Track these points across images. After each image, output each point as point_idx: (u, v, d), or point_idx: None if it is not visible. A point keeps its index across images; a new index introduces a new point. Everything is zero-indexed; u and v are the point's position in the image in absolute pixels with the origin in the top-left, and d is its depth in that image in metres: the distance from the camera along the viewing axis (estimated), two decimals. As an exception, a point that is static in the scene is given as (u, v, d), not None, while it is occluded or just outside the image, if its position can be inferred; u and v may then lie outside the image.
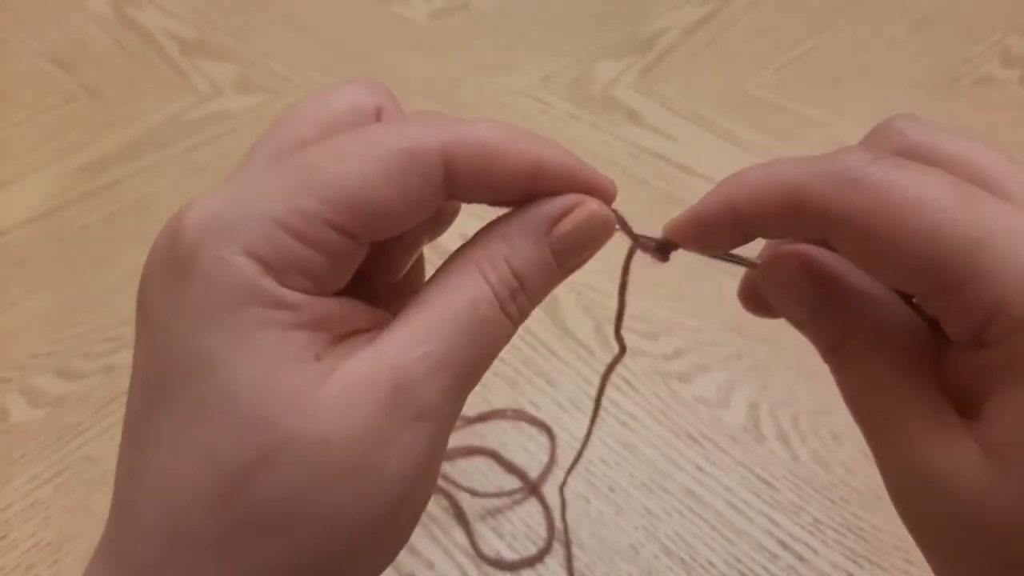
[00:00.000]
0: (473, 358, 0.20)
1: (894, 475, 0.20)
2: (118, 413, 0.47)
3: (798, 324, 0.23)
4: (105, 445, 0.46)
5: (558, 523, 0.42)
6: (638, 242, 0.23)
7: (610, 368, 0.28)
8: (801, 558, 0.41)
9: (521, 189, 0.20)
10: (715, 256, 0.23)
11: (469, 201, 0.21)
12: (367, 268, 0.21)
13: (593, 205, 0.21)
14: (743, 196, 0.20)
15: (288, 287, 0.18)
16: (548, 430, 0.46)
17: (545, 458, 0.45)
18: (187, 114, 0.68)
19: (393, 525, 0.20)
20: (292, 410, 0.18)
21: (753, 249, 0.23)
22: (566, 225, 0.21)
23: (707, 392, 0.48)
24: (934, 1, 0.80)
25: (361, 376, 0.18)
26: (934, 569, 0.20)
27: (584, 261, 0.22)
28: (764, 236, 0.22)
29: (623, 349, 0.27)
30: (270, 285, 0.18)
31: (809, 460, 0.45)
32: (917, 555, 0.43)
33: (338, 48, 0.75)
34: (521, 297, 0.20)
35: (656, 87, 0.71)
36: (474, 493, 0.43)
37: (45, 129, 0.66)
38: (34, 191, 0.61)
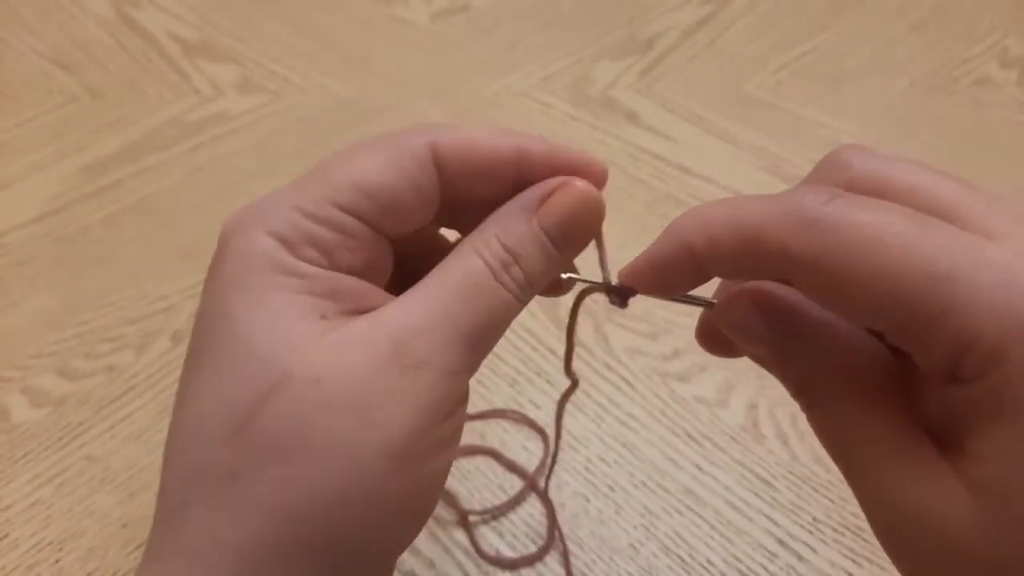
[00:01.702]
0: (470, 317, 0.21)
1: (876, 514, 0.20)
2: (120, 413, 0.47)
3: (762, 363, 0.23)
4: (106, 445, 0.46)
5: (559, 521, 0.42)
6: (598, 288, 0.23)
7: (564, 400, 0.28)
8: (800, 557, 0.41)
9: (509, 178, 0.22)
10: (672, 299, 0.22)
11: (465, 194, 0.23)
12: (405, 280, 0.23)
13: (579, 183, 0.23)
14: (699, 236, 0.20)
15: (302, 259, 0.21)
16: (542, 432, 0.46)
17: (546, 457, 0.45)
18: (188, 115, 0.68)
19: (402, 473, 0.20)
20: (292, 353, 0.20)
21: (708, 288, 0.23)
22: (553, 202, 0.22)
23: (706, 392, 0.48)
24: (932, 2, 0.80)
25: (360, 331, 0.20)
26: None
27: (581, 239, 0.23)
28: (723, 276, 0.22)
29: (575, 383, 0.27)
30: (285, 256, 0.21)
31: (808, 459, 0.45)
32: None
33: (339, 49, 0.75)
34: (515, 269, 0.22)
35: (655, 88, 0.71)
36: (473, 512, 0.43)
37: (46, 130, 0.66)
38: (35, 192, 0.61)
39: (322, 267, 0.21)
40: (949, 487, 0.18)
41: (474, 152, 0.22)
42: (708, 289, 0.23)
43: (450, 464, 0.23)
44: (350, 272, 0.22)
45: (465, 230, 0.24)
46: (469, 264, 0.21)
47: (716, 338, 0.24)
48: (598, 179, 0.23)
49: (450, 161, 0.22)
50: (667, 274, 0.21)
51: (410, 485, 0.21)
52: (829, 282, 0.18)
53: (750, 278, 0.22)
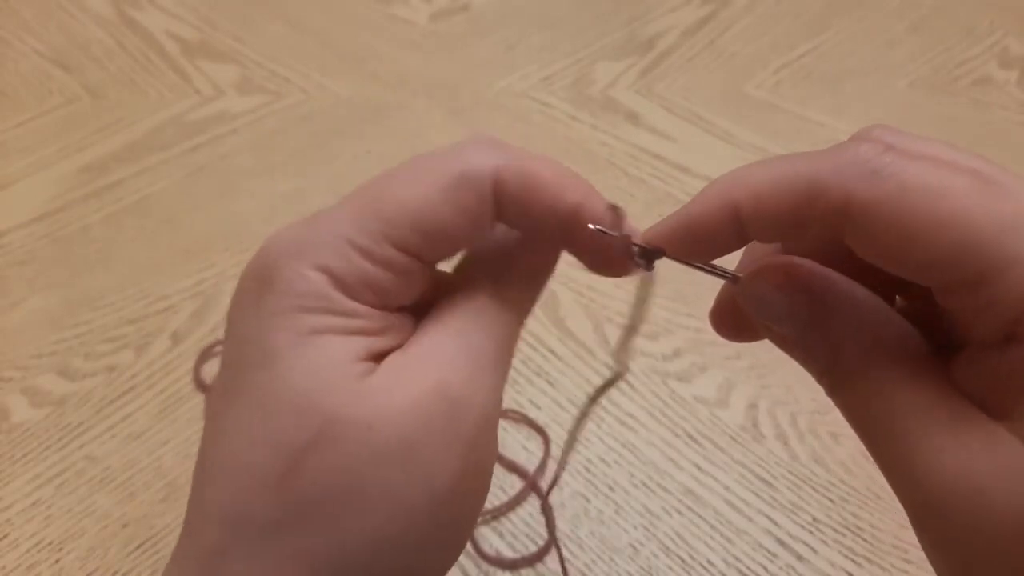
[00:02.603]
0: (496, 347, 0.21)
1: (922, 494, 0.18)
2: (119, 413, 0.47)
3: (785, 343, 0.22)
4: (106, 445, 0.46)
5: (559, 522, 0.42)
6: (623, 243, 0.22)
7: (600, 391, 0.27)
8: (800, 557, 0.41)
9: (562, 224, 0.21)
10: (696, 267, 0.21)
11: (515, 227, 0.22)
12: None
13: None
14: (748, 194, 0.19)
15: (355, 300, 0.20)
16: (542, 432, 0.46)
17: (547, 458, 0.45)
18: (188, 115, 0.68)
19: (449, 514, 0.20)
20: (339, 397, 0.19)
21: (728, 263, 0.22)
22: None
23: (706, 392, 0.48)
24: (932, 2, 0.80)
25: (403, 372, 0.20)
26: None
27: (537, 215, 0.22)
28: (765, 238, 0.21)
29: (621, 371, 0.26)
30: (338, 296, 0.20)
31: (808, 459, 0.45)
32: (915, 554, 0.43)
33: (339, 49, 0.75)
34: (511, 290, 0.22)
35: (655, 88, 0.71)
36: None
37: (46, 130, 0.66)
38: (36, 192, 0.61)
39: (373, 307, 0.20)
40: (1009, 450, 0.17)
41: (535, 196, 0.21)
42: (728, 264, 0.22)
43: (487, 490, 0.22)
44: (391, 303, 0.21)
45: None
46: (481, 297, 0.22)
47: (732, 320, 0.23)
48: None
49: (509, 194, 0.21)
50: (703, 236, 0.20)
51: (454, 521, 0.21)
52: (892, 233, 0.17)
53: (796, 238, 0.20)
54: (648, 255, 0.21)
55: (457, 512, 0.21)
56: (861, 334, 0.20)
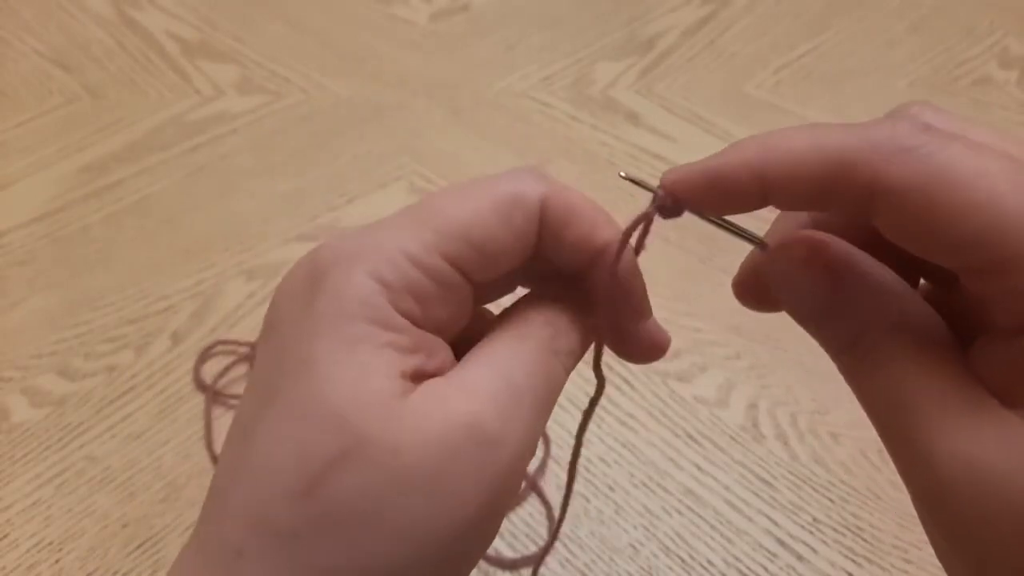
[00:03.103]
0: (537, 392, 0.21)
1: (926, 479, 0.18)
2: (119, 413, 0.47)
3: (805, 319, 0.22)
4: (106, 445, 0.46)
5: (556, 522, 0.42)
6: (649, 188, 0.21)
7: (590, 410, 0.27)
8: (800, 557, 0.41)
9: (587, 261, 0.22)
10: (722, 227, 0.21)
11: (549, 256, 0.23)
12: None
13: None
14: (775, 162, 0.18)
15: (399, 310, 0.20)
16: (542, 434, 0.46)
17: (547, 458, 0.45)
18: (188, 115, 0.68)
19: (462, 549, 0.20)
20: (372, 416, 0.19)
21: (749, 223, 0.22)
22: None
23: (706, 392, 0.48)
24: (932, 2, 0.80)
25: (438, 401, 0.20)
26: None
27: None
28: (788, 207, 0.20)
29: (600, 385, 0.26)
30: (383, 305, 0.20)
31: (808, 459, 0.45)
32: (915, 554, 0.43)
33: (339, 49, 0.75)
34: (563, 339, 0.23)
35: (655, 88, 0.71)
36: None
37: (47, 130, 0.66)
38: (36, 192, 0.61)
39: (414, 320, 0.20)
40: (1021, 437, 0.17)
41: (571, 226, 0.21)
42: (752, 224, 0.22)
43: (500, 526, 0.23)
44: (437, 325, 0.21)
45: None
46: (528, 335, 0.22)
47: (755, 290, 0.23)
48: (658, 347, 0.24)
49: (550, 223, 0.21)
50: (725, 193, 0.19)
51: (467, 555, 0.21)
52: (919, 214, 0.17)
53: (822, 210, 0.21)
54: (670, 211, 0.21)
55: (471, 547, 0.20)
56: (882, 317, 0.20)
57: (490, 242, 0.21)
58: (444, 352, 0.21)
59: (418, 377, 0.20)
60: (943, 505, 0.18)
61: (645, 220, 0.21)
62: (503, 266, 0.22)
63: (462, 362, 0.21)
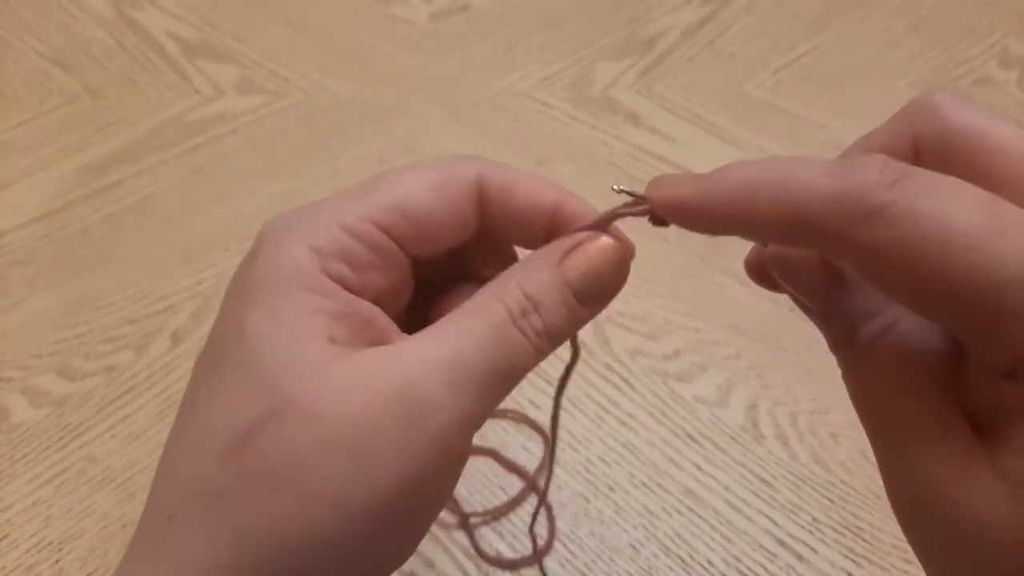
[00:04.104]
0: (484, 363, 0.20)
1: (899, 487, 0.19)
2: (120, 413, 0.47)
3: (808, 312, 0.22)
4: (106, 445, 0.46)
5: (559, 522, 0.42)
6: (636, 206, 0.22)
7: (564, 379, 0.27)
8: (800, 557, 0.41)
9: (543, 227, 0.22)
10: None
11: (501, 235, 0.23)
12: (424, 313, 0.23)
13: (607, 239, 0.22)
14: (745, 209, 0.18)
15: (330, 276, 0.20)
16: (542, 432, 0.46)
17: (547, 457, 0.45)
18: (188, 115, 0.68)
19: (388, 520, 0.19)
20: (297, 379, 0.19)
21: None
22: (578, 255, 0.21)
23: (706, 392, 0.48)
24: (932, 2, 0.80)
25: (368, 367, 0.20)
26: None
27: (604, 295, 0.22)
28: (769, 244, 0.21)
29: (575, 354, 0.26)
30: (314, 271, 0.20)
31: (808, 460, 0.45)
32: (915, 554, 0.42)
33: (339, 49, 0.75)
34: (535, 317, 0.21)
35: (655, 88, 0.71)
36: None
37: (46, 130, 0.66)
38: (36, 192, 0.61)
39: (348, 287, 0.21)
40: (980, 474, 0.17)
41: (515, 192, 0.22)
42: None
43: (436, 517, 0.22)
44: (374, 294, 0.21)
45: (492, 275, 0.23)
46: (487, 308, 0.21)
47: (764, 273, 0.23)
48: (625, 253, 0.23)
49: (492, 195, 0.22)
50: (701, 223, 0.20)
51: (392, 535, 0.20)
52: (887, 276, 0.17)
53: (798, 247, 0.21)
54: (660, 221, 0.21)
55: (398, 526, 0.20)
56: (877, 319, 0.20)
57: (424, 214, 0.21)
58: (384, 322, 0.21)
59: (354, 343, 0.20)
60: (904, 515, 0.19)
61: (632, 214, 0.21)
62: (442, 238, 0.22)
63: (418, 332, 0.21)
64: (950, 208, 0.16)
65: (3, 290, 0.54)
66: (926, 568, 0.19)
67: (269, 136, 0.66)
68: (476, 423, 0.21)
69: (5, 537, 0.42)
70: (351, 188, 0.22)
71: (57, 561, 0.41)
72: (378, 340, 0.21)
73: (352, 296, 0.21)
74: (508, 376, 0.21)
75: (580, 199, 0.23)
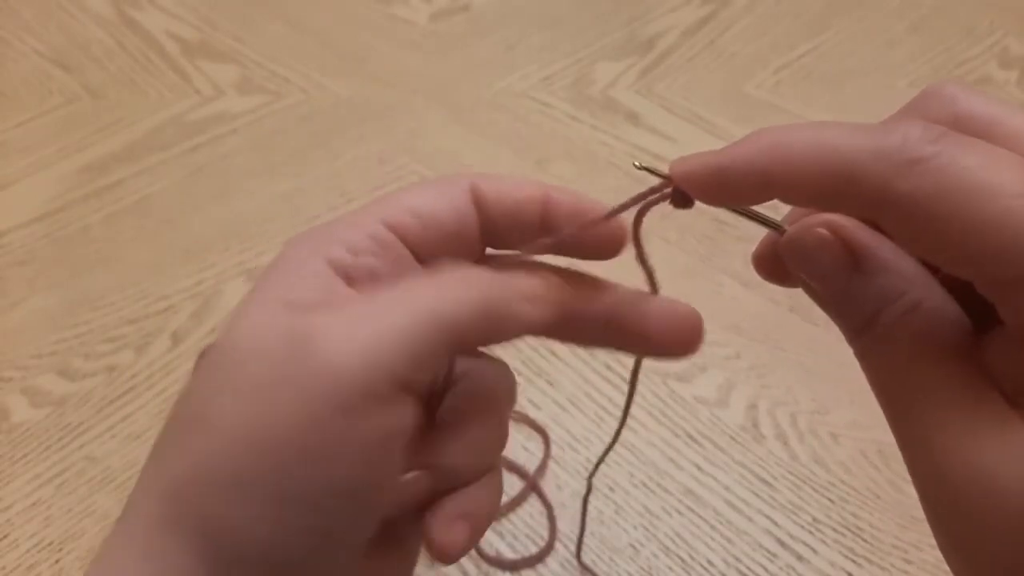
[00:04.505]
0: (412, 337, 0.19)
1: (928, 471, 0.18)
2: (120, 413, 0.47)
3: (822, 300, 0.21)
4: (106, 445, 0.46)
5: (559, 523, 0.42)
6: (662, 191, 0.21)
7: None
8: (800, 557, 0.41)
9: (537, 219, 0.23)
10: (738, 212, 0.21)
11: (502, 237, 0.24)
12: None
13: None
14: (781, 165, 0.18)
15: (331, 261, 0.21)
16: (542, 432, 0.46)
17: (547, 458, 0.45)
18: (188, 115, 0.68)
19: (299, 469, 0.18)
20: (237, 319, 0.20)
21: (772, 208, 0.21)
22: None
23: (706, 392, 0.48)
24: (932, 2, 0.80)
25: (308, 312, 0.20)
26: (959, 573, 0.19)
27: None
28: (798, 206, 0.20)
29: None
30: (325, 270, 0.21)
31: (808, 460, 0.45)
32: (916, 554, 0.43)
33: (339, 49, 0.75)
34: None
35: (655, 88, 0.71)
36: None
37: (46, 130, 0.66)
38: (36, 192, 0.61)
39: (351, 278, 0.22)
40: (1020, 439, 0.17)
41: (504, 187, 0.23)
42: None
43: (397, 433, 0.20)
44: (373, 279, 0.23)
45: None
46: (466, 268, 0.22)
47: (773, 266, 0.23)
48: (617, 239, 0.24)
49: (487, 197, 0.23)
50: (729, 190, 0.19)
51: (312, 473, 0.19)
52: (928, 228, 0.17)
53: (830, 211, 0.20)
54: (682, 202, 0.21)
55: (312, 472, 0.19)
56: (899, 301, 0.19)
57: (427, 210, 0.23)
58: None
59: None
60: (940, 497, 0.18)
61: (654, 200, 0.22)
62: (445, 235, 0.23)
63: None
64: (993, 163, 0.16)
65: (3, 290, 0.54)
66: (952, 560, 0.19)
67: (269, 136, 0.66)
68: (391, 384, 0.19)
69: (5, 537, 0.42)
70: (371, 201, 0.24)
71: (57, 561, 0.41)
72: None
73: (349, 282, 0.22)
74: (446, 324, 0.19)
75: (566, 189, 0.24)
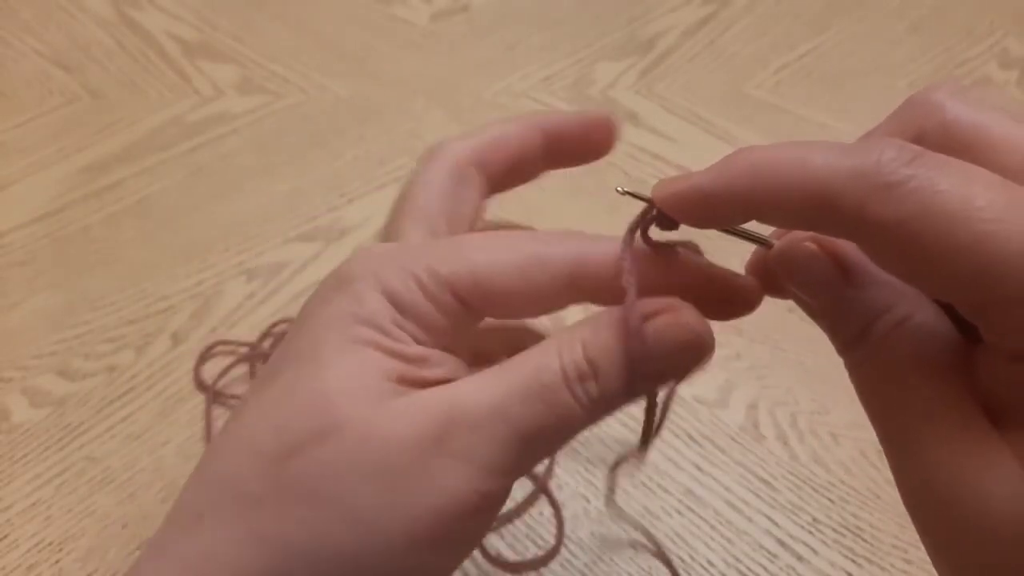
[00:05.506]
0: (529, 420, 0.20)
1: (914, 485, 0.19)
2: (120, 413, 0.47)
3: (813, 313, 0.21)
4: (106, 445, 0.46)
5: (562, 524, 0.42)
6: (646, 214, 0.21)
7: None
8: (800, 557, 0.41)
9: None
10: (723, 229, 0.21)
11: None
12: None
13: (689, 317, 0.20)
14: (761, 187, 0.18)
15: (402, 328, 0.21)
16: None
17: (552, 462, 0.45)
18: (188, 115, 0.68)
19: (421, 553, 0.20)
20: (352, 405, 0.20)
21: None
22: (657, 330, 0.20)
23: (706, 392, 0.48)
24: (932, 2, 0.80)
25: (419, 404, 0.20)
26: None
27: (672, 376, 0.21)
28: (780, 227, 0.21)
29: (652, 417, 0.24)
30: (389, 319, 0.21)
31: (808, 460, 0.45)
32: (916, 554, 0.43)
33: (339, 49, 0.75)
34: (591, 383, 0.20)
35: (656, 88, 0.71)
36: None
37: (47, 130, 0.66)
38: (36, 192, 0.61)
39: (418, 340, 0.21)
40: (1001, 463, 0.17)
41: (606, 284, 0.21)
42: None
43: (463, 560, 0.22)
44: (444, 344, 0.22)
45: None
46: (544, 363, 0.20)
47: (766, 278, 0.23)
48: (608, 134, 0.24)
49: (590, 284, 0.22)
50: (711, 213, 0.19)
51: (415, 570, 0.20)
52: (904, 252, 0.17)
53: (811, 231, 0.20)
54: (667, 224, 0.21)
55: (427, 560, 0.20)
56: (889, 314, 0.19)
57: (503, 294, 0.21)
58: (450, 364, 0.22)
59: (419, 384, 0.21)
60: (926, 513, 0.18)
61: (642, 225, 0.21)
62: (521, 313, 0.22)
63: (476, 374, 0.21)
64: (968, 185, 0.16)
65: (3, 290, 0.54)
66: (939, 569, 0.19)
67: (269, 136, 0.66)
68: (513, 473, 0.21)
69: (5, 537, 0.42)
70: (445, 242, 0.22)
71: (57, 561, 0.41)
72: (443, 380, 0.21)
73: (421, 346, 0.21)
74: (552, 435, 0.21)
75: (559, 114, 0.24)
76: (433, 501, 0.19)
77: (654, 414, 0.22)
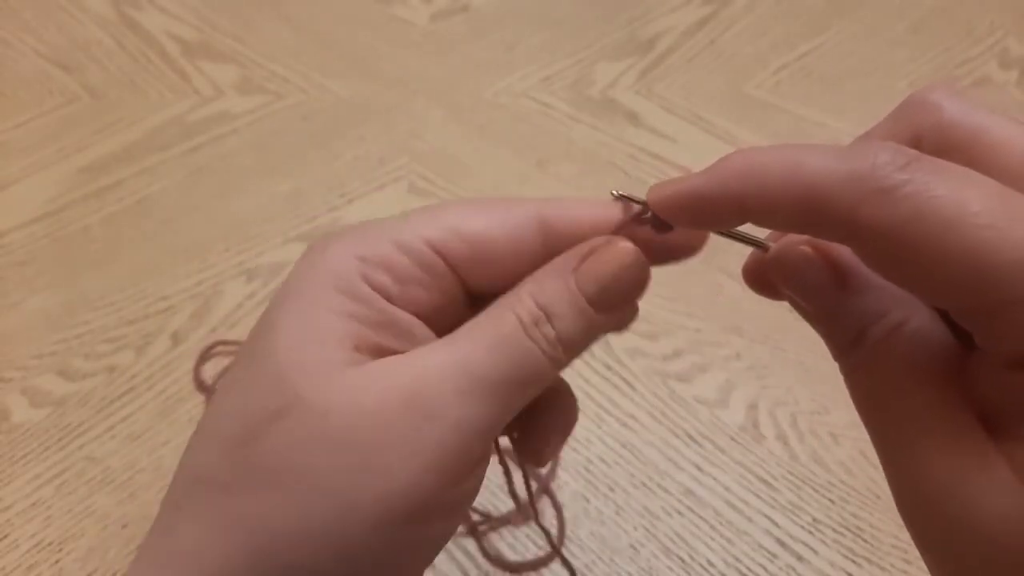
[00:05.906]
0: (494, 370, 0.20)
1: (908, 491, 0.18)
2: (120, 413, 0.47)
3: (809, 318, 0.21)
4: (106, 445, 0.46)
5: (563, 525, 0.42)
6: (638, 215, 0.21)
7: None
8: (800, 557, 0.41)
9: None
10: (720, 232, 0.21)
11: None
12: None
13: (622, 243, 0.21)
14: (754, 190, 0.18)
15: (371, 283, 0.21)
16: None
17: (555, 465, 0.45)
18: (188, 115, 0.68)
19: (396, 524, 0.19)
20: (310, 379, 0.19)
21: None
22: (593, 261, 0.21)
23: (706, 392, 0.48)
24: (932, 2, 0.80)
25: (380, 371, 0.20)
26: None
27: (620, 302, 0.21)
28: (774, 230, 0.21)
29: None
30: (352, 275, 0.20)
31: (808, 460, 0.45)
32: (915, 554, 0.43)
33: (339, 49, 0.75)
34: (546, 327, 0.21)
35: (655, 88, 0.71)
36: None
37: (46, 130, 0.66)
38: (35, 192, 0.61)
39: (388, 296, 0.21)
40: (995, 472, 0.17)
41: (580, 219, 0.22)
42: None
43: (452, 533, 0.22)
44: (417, 308, 0.21)
45: None
46: (499, 318, 0.21)
47: (763, 280, 0.22)
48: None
49: (558, 230, 0.22)
50: (704, 215, 0.19)
51: (399, 544, 0.20)
52: (897, 257, 0.16)
53: (804, 234, 0.20)
54: (662, 227, 0.21)
55: (404, 535, 0.20)
56: (884, 319, 0.19)
57: (480, 237, 0.21)
58: (422, 333, 0.21)
59: (380, 352, 0.20)
60: (919, 519, 0.18)
61: (638, 225, 0.21)
62: (500, 264, 0.22)
63: (434, 342, 0.21)
64: (963, 190, 0.16)
65: (3, 290, 0.54)
66: (933, 573, 0.19)
67: (269, 136, 0.66)
68: (486, 430, 0.20)
69: (5, 537, 0.42)
70: (413, 210, 0.22)
71: (57, 561, 0.41)
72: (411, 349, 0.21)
73: (389, 305, 0.21)
74: (521, 384, 0.21)
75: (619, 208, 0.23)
76: (404, 470, 0.19)
77: (529, 487, 0.23)
